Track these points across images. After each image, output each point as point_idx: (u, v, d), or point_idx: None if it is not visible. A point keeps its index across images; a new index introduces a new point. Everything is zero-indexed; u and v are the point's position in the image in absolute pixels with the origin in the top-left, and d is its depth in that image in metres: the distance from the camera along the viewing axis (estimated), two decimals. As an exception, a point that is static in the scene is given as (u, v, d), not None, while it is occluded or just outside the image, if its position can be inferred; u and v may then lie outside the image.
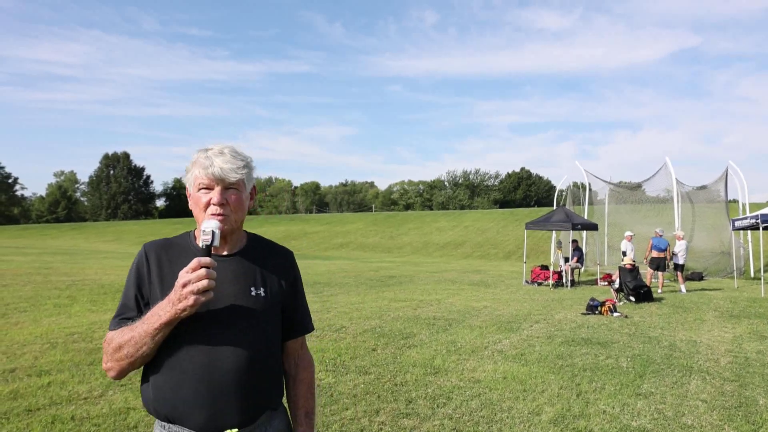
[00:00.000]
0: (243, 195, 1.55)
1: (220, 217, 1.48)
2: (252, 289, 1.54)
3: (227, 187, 1.51)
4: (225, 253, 1.56)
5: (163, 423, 1.48)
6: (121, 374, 1.45)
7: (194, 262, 1.36)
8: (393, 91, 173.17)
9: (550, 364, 6.04)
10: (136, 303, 1.51)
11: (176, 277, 1.40)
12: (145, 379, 1.51)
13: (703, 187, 22.60)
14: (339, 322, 8.23)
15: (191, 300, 1.34)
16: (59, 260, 20.59)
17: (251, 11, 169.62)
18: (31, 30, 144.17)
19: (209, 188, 1.50)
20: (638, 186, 23.93)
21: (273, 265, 1.63)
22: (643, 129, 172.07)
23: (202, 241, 1.42)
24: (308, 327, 1.74)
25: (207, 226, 1.43)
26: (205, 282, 1.35)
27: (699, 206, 22.05)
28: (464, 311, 9.80)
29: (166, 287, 1.47)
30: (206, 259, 1.37)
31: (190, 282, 1.35)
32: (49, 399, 4.42)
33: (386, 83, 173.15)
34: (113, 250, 33.94)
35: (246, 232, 1.67)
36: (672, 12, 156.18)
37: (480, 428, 4.10)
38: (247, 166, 1.55)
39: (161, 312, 1.38)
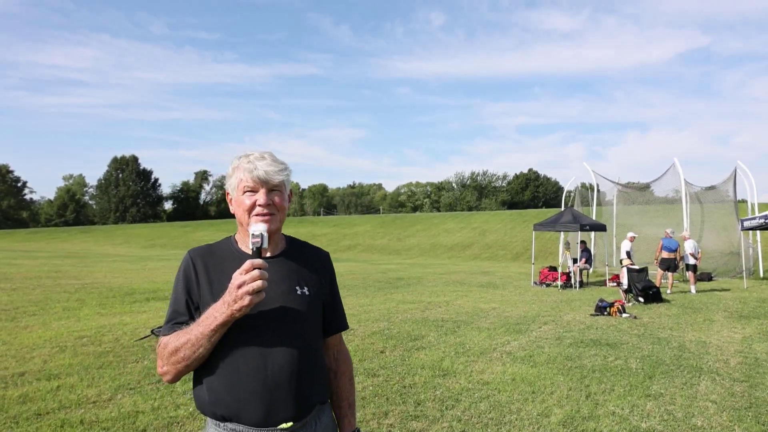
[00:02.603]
0: (285, 196, 1.63)
1: (266, 218, 1.56)
2: (297, 288, 1.61)
3: (271, 189, 1.58)
4: (268, 255, 1.63)
5: (217, 422, 1.54)
6: (177, 377, 1.51)
7: (247, 263, 1.41)
8: (401, 94, 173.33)
9: (559, 366, 6.01)
10: (187, 308, 1.57)
11: (223, 281, 1.47)
12: (198, 382, 1.57)
13: (711, 188, 22.42)
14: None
15: (247, 300, 1.39)
16: (68, 264, 20.74)
17: (259, 14, 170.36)
18: (41, 35, 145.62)
19: (254, 191, 1.57)
20: (646, 187, 23.78)
21: (313, 264, 1.71)
22: (653, 130, 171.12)
23: (252, 243, 1.48)
24: (345, 323, 1.84)
25: (256, 230, 1.50)
26: (259, 282, 1.40)
27: (708, 207, 21.87)
28: (473, 313, 9.77)
29: (215, 291, 1.53)
30: (259, 261, 1.42)
31: (245, 283, 1.39)
32: (59, 403, 4.44)
33: (395, 85, 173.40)
34: (122, 253, 34.15)
35: (284, 235, 1.73)
36: (681, 11, 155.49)
37: (489, 430, 4.08)
38: (286, 168, 1.63)
39: (216, 314, 1.43)
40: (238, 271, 1.42)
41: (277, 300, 1.55)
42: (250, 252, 1.49)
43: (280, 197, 1.59)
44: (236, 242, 1.67)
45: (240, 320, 1.46)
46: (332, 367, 1.80)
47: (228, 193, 1.64)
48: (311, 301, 1.62)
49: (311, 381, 1.59)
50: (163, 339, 1.52)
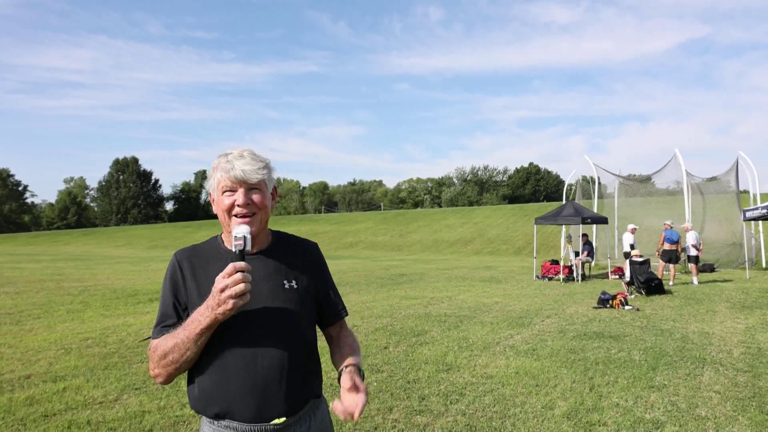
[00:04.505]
0: (266, 194, 1.60)
1: (246, 219, 1.54)
2: (285, 282, 1.61)
3: (250, 188, 1.56)
4: (254, 251, 1.61)
5: (211, 420, 1.55)
6: (169, 379, 1.52)
7: (230, 267, 1.40)
8: (401, 90, 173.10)
9: (563, 359, 6.03)
10: (175, 309, 1.58)
11: (210, 281, 1.46)
12: (190, 381, 1.57)
13: (713, 179, 22.40)
14: (350, 321, 8.25)
15: (230, 304, 1.39)
16: (71, 266, 20.79)
17: (256, 12, 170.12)
18: (38, 37, 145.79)
19: (233, 190, 1.55)
20: (648, 178, 23.79)
21: (301, 257, 1.70)
22: (654, 121, 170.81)
23: (234, 246, 1.47)
24: (343, 311, 1.80)
25: (238, 232, 1.49)
26: (242, 286, 1.39)
27: (709, 197, 21.86)
28: (475, 307, 9.79)
29: (202, 291, 1.53)
30: (241, 264, 1.42)
31: (228, 287, 1.39)
32: (65, 404, 4.47)
33: (394, 81, 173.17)
34: (125, 255, 34.21)
35: (271, 230, 1.72)
36: (680, 1, 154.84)
37: (493, 423, 4.10)
38: (267, 167, 1.60)
39: (201, 318, 1.44)
40: (220, 275, 1.41)
41: (265, 297, 1.55)
42: (234, 253, 1.48)
43: (259, 196, 1.57)
44: (222, 241, 1.66)
45: (228, 320, 1.45)
46: (333, 335, 1.77)
47: (210, 194, 1.62)
48: (300, 294, 1.62)
49: (303, 375, 1.59)
50: (153, 342, 1.53)
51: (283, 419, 1.53)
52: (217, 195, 1.57)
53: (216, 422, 1.54)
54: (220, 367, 1.51)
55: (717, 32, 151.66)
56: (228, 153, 1.58)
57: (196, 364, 1.53)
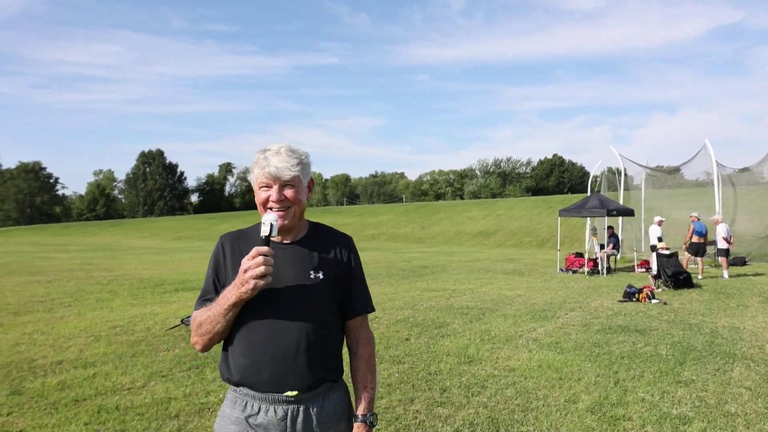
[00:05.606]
0: (299, 189, 1.71)
1: (281, 213, 1.68)
2: (311, 272, 1.72)
3: (284, 184, 1.68)
4: (288, 241, 1.76)
5: (235, 387, 1.71)
6: (205, 348, 1.69)
7: (253, 251, 1.55)
8: (420, 81, 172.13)
9: (587, 352, 5.95)
10: (214, 286, 1.75)
11: None
12: (223, 351, 1.74)
13: (745, 170, 21.76)
14: (372, 313, 8.26)
15: (251, 284, 1.54)
16: (100, 256, 21.27)
17: (276, 4, 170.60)
18: (62, 33, 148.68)
19: (268, 186, 1.69)
20: (676, 170, 23.22)
21: (332, 250, 1.80)
22: (681, 110, 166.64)
23: (261, 231, 1.62)
24: (367, 307, 1.88)
25: (266, 219, 1.62)
26: (262, 268, 1.53)
27: (741, 189, 21.24)
28: (498, 300, 9.72)
29: (238, 272, 1.64)
30: (264, 248, 1.56)
31: (250, 268, 1.53)
32: (95, 390, 4.59)
33: (413, 72, 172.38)
34: (151, 245, 34.85)
35: (308, 221, 1.84)
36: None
37: (515, 416, 4.07)
38: (301, 162, 1.71)
39: (228, 295, 1.60)
40: (245, 257, 1.56)
41: (290, 282, 1.68)
42: (260, 238, 1.60)
43: (292, 191, 1.68)
44: None
45: (256, 299, 1.60)
46: (352, 348, 1.87)
47: (253, 187, 1.76)
48: (324, 284, 1.72)
49: (319, 357, 1.68)
50: (194, 313, 1.70)
51: (295, 392, 1.65)
52: (256, 189, 1.71)
53: (238, 389, 1.69)
54: (244, 340, 1.66)
55: (750, 17, 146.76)
56: (266, 149, 1.70)
57: (228, 337, 1.70)
